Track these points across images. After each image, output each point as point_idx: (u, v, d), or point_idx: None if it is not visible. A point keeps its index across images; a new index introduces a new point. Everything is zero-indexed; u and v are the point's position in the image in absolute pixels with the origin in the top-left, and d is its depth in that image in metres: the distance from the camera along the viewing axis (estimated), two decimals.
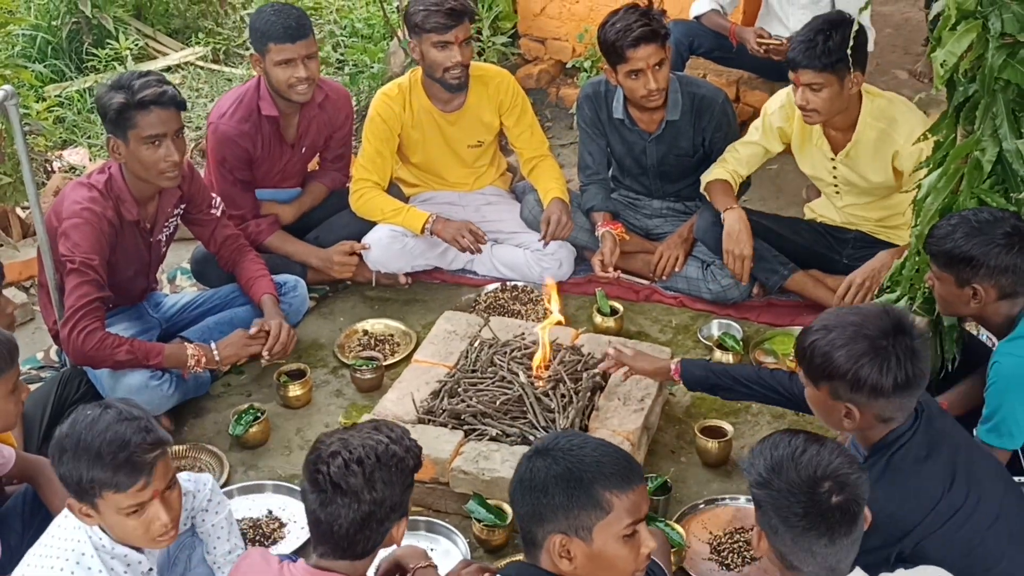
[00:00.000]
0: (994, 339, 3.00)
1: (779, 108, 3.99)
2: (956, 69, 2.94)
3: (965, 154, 3.03)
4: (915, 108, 3.79)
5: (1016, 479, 2.88)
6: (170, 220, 3.66)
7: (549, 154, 4.43)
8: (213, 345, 3.53)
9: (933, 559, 2.31)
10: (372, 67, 5.71)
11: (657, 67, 3.90)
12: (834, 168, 3.96)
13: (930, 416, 2.43)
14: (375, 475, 2.13)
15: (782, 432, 2.18)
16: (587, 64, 5.40)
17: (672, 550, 2.89)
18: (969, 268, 2.75)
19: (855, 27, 3.42)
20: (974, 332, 3.35)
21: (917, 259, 3.22)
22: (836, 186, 4.03)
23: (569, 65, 5.72)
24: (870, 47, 4.70)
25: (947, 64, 2.92)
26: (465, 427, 3.23)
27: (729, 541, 3.05)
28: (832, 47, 3.53)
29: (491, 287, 4.23)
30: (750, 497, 2.19)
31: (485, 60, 5.45)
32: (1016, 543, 2.40)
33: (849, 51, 3.45)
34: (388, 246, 4.20)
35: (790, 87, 3.88)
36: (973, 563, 2.34)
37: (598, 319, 3.97)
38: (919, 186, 3.23)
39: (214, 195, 3.84)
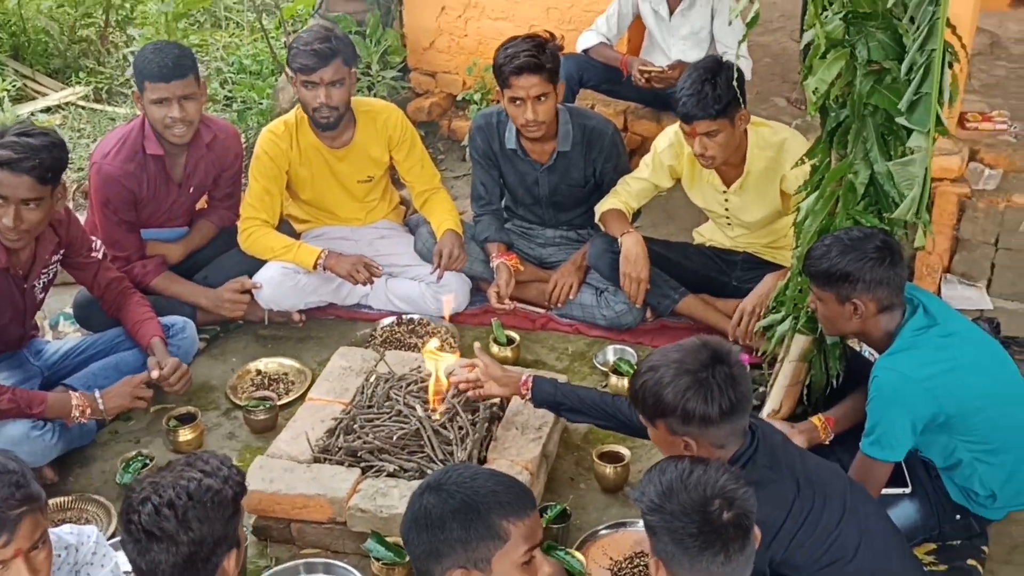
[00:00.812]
0: (876, 355, 3.10)
1: (668, 146, 4.07)
2: (828, 96, 3.04)
3: (839, 177, 3.14)
4: (797, 133, 3.91)
5: (896, 491, 2.98)
6: (48, 267, 3.55)
7: (441, 187, 4.44)
8: (98, 394, 3.42)
9: (801, 564, 2.38)
10: (260, 103, 5.65)
11: (539, 99, 3.94)
12: (726, 200, 4.05)
13: (764, 434, 2.50)
14: (189, 515, 2.05)
15: (667, 458, 2.21)
16: (477, 96, 5.44)
17: None
18: (847, 284, 2.84)
19: (735, 69, 3.55)
20: (856, 348, 3.46)
21: (799, 279, 3.31)
22: (728, 217, 4.13)
23: (460, 98, 5.74)
24: (748, 76, 4.85)
25: (819, 91, 3.02)
26: (362, 464, 3.19)
27: (629, 566, 3.05)
28: (720, 93, 3.61)
29: (387, 321, 4.20)
30: None
31: (375, 95, 5.44)
32: (867, 534, 2.48)
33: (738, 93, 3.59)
34: (280, 283, 4.14)
35: (676, 124, 3.96)
36: (833, 559, 2.40)
37: (495, 349, 3.98)
38: (798, 209, 3.34)
39: (94, 238, 3.74)
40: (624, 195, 4.15)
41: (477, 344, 3.38)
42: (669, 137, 4.08)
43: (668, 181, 4.15)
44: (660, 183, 4.15)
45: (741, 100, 3.65)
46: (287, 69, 5.29)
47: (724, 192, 4.02)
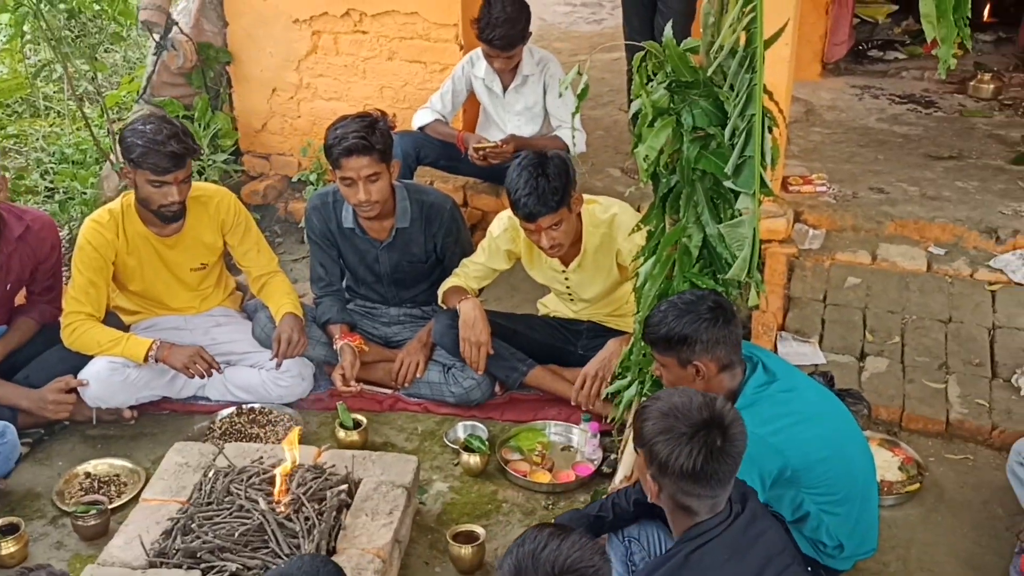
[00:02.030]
0: None
1: (503, 231, 4.09)
2: (658, 163, 3.11)
3: (674, 241, 3.20)
4: (626, 205, 3.99)
5: None
6: None
7: (279, 270, 4.32)
8: None
9: None
10: (84, 193, 5.42)
11: (370, 179, 3.91)
12: (566, 279, 4.09)
13: (751, 519, 2.45)
14: None
15: (531, 529, 2.14)
16: (313, 177, 5.36)
17: None
18: (686, 347, 2.88)
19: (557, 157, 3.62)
20: None
21: (642, 345, 3.34)
22: (569, 294, 4.16)
23: (295, 179, 5.66)
24: (583, 148, 4.96)
25: (649, 158, 3.09)
26: (202, 565, 3.00)
27: None
28: (556, 186, 3.66)
29: (226, 412, 4.03)
30: None
31: (206, 179, 5.29)
32: None
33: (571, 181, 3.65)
34: (108, 379, 3.91)
35: (510, 209, 3.98)
36: None
37: (341, 434, 3.86)
38: (637, 275, 3.38)
39: None
40: (464, 277, 4.15)
41: None
42: (503, 222, 4.10)
43: (506, 264, 4.17)
44: (497, 266, 4.16)
45: (573, 185, 3.72)
46: (113, 158, 5.13)
47: (563, 271, 4.06)
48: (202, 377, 3.99)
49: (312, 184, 5.36)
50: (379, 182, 3.94)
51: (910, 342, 4.38)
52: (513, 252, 4.13)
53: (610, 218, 3.92)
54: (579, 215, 3.90)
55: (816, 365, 4.24)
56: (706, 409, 2.38)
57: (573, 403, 3.97)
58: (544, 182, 3.64)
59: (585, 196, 3.95)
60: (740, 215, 3.03)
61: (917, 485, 3.67)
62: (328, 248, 4.26)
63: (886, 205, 5.09)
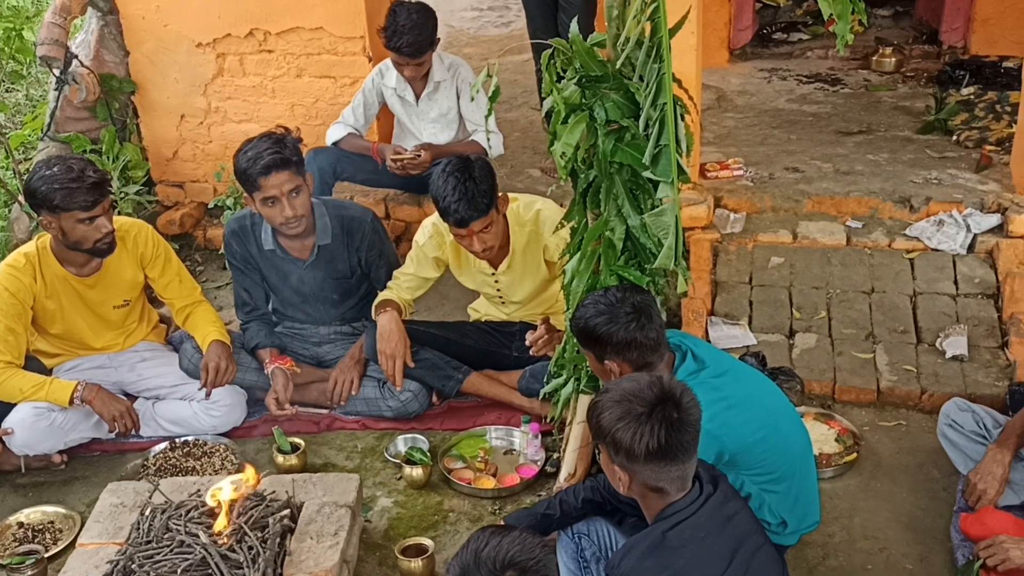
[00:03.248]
0: None
1: (429, 239, 4.06)
2: (575, 159, 3.12)
3: (598, 235, 3.21)
4: (548, 200, 3.99)
5: None
6: None
7: (203, 299, 4.24)
8: None
9: None
10: None
11: (293, 194, 3.86)
12: (496, 282, 4.08)
13: (723, 500, 2.46)
14: None
15: (475, 531, 2.14)
16: (230, 202, 5.28)
17: None
18: (600, 346, 2.91)
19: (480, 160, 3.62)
20: None
21: (575, 342, 3.34)
22: (501, 297, 4.14)
23: (212, 205, 5.56)
24: (501, 150, 4.95)
25: (566, 155, 3.09)
26: None
27: None
28: (484, 189, 3.66)
29: (159, 448, 3.94)
30: None
31: (120, 213, 5.17)
32: None
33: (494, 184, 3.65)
34: (33, 426, 3.80)
35: (434, 216, 3.96)
36: None
37: (279, 459, 3.80)
38: (564, 272, 3.39)
39: None
40: (396, 289, 4.12)
41: None
42: (428, 230, 4.07)
43: (435, 272, 4.14)
44: (427, 275, 4.13)
45: (496, 184, 3.72)
46: (21, 199, 4.99)
47: (493, 274, 4.05)
48: (123, 434, 3.91)
49: (229, 208, 5.28)
50: (301, 195, 3.89)
51: (836, 315, 4.46)
52: (441, 259, 4.10)
53: (534, 215, 3.93)
54: (504, 216, 3.89)
55: (747, 346, 4.29)
56: (656, 386, 2.40)
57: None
58: (472, 186, 3.63)
59: (508, 195, 3.95)
60: (661, 204, 3.05)
61: (854, 455, 3.73)
62: (250, 272, 4.19)
63: (802, 183, 5.18)
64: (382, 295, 4.11)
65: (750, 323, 4.47)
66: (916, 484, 3.62)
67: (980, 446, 3.40)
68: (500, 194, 3.79)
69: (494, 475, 3.77)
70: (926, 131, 5.71)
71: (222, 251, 4.39)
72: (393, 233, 5.19)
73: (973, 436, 3.45)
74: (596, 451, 3.48)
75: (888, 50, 6.82)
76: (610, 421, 2.37)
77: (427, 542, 3.34)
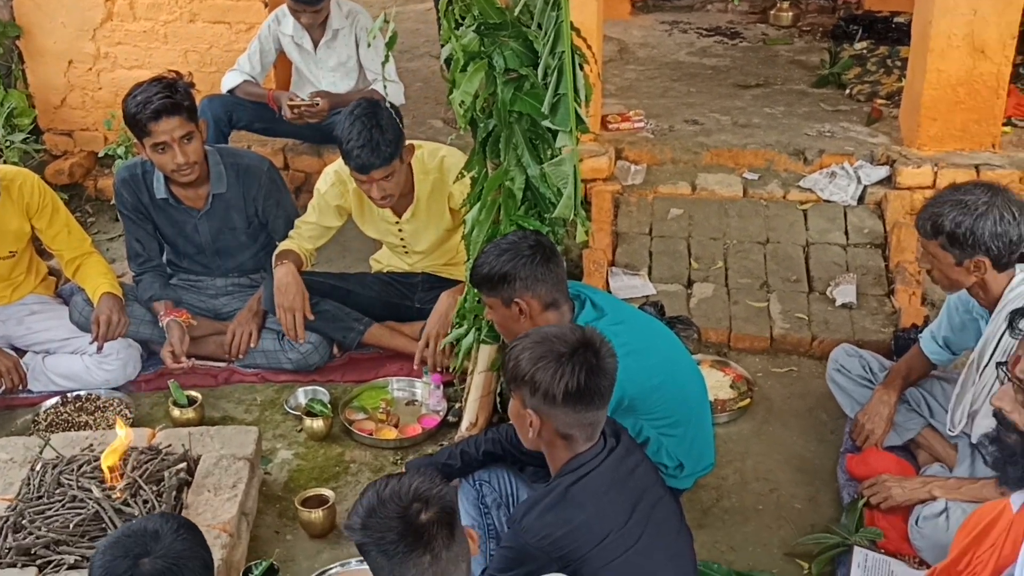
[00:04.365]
0: None
1: (331, 186, 4.00)
2: (474, 108, 3.11)
3: (497, 185, 3.21)
4: (454, 148, 3.96)
5: None
6: None
7: (93, 250, 4.11)
8: None
9: None
10: None
11: (185, 140, 3.76)
12: (400, 231, 4.05)
13: (625, 453, 2.48)
14: None
15: (373, 482, 2.14)
16: (121, 150, 5.11)
17: None
18: (507, 285, 2.90)
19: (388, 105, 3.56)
20: None
21: (475, 292, 3.35)
22: (404, 246, 4.11)
23: (102, 154, 5.38)
24: (401, 100, 4.89)
25: (465, 104, 3.08)
26: (39, 561, 2.86)
27: None
28: (390, 138, 3.61)
29: (50, 403, 3.84)
30: (361, 558, 2.13)
31: (5, 162, 4.98)
32: None
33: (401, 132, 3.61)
34: None
35: (336, 163, 3.91)
36: None
37: (176, 412, 3.74)
38: (465, 222, 3.38)
39: None
40: (298, 238, 4.05)
41: None
42: (330, 177, 4.01)
43: (337, 220, 4.09)
44: (329, 224, 4.07)
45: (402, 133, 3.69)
46: None
47: (397, 223, 4.01)
48: (11, 391, 3.80)
49: (121, 158, 5.11)
50: (194, 142, 3.80)
51: (733, 265, 4.55)
52: (343, 207, 4.05)
53: (439, 162, 3.90)
54: (410, 165, 3.85)
55: (647, 296, 4.36)
56: (577, 331, 2.44)
57: (417, 362, 3.94)
58: (378, 133, 3.59)
59: (411, 142, 3.91)
60: (560, 153, 3.06)
61: (748, 400, 3.83)
62: (142, 222, 4.08)
63: (701, 136, 5.25)
64: (282, 245, 4.04)
65: (650, 273, 4.53)
66: (806, 427, 3.74)
67: (867, 390, 3.52)
68: (406, 144, 3.75)
69: (396, 426, 3.77)
70: (820, 85, 5.84)
71: (114, 201, 4.26)
72: (292, 184, 5.11)
73: (860, 380, 3.56)
74: (499, 401, 3.51)
75: (785, 4, 6.94)
76: (529, 361, 2.37)
77: (328, 493, 3.33)
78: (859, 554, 3.03)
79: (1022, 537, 2.13)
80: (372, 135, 3.59)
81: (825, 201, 4.84)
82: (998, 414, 2.35)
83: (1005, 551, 2.26)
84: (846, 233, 4.68)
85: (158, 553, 1.95)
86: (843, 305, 4.25)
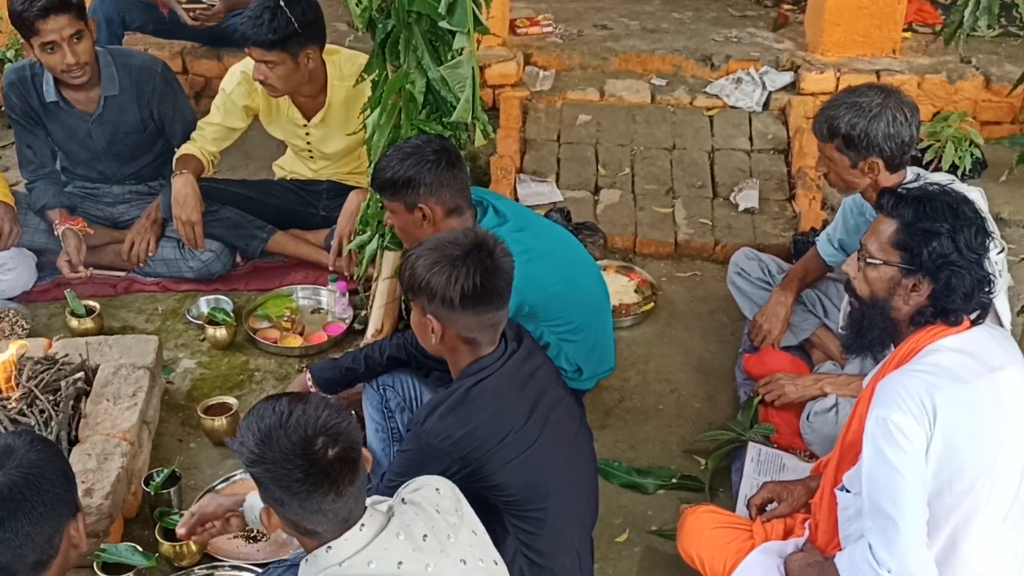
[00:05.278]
0: None
1: (238, 85, 3.89)
2: (371, 7, 3.03)
3: (398, 88, 3.15)
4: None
5: None
6: None
7: None
8: None
9: (506, 485, 2.41)
10: None
11: (74, 39, 3.62)
12: (307, 134, 3.97)
13: (526, 356, 2.49)
14: None
15: (262, 402, 2.04)
16: (10, 54, 4.89)
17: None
18: (411, 190, 2.87)
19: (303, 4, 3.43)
20: None
21: (378, 197, 3.32)
22: (310, 151, 4.04)
23: None
24: None
25: (362, 3, 3.00)
26: None
27: None
28: (279, 25, 3.51)
29: None
30: None
31: None
32: (574, 485, 2.57)
33: (299, 28, 3.47)
34: None
35: (243, 62, 3.80)
36: (536, 496, 2.46)
37: (74, 322, 3.66)
38: (365, 126, 3.33)
39: None
40: (201, 140, 3.95)
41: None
42: (236, 76, 3.91)
43: (243, 121, 3.99)
44: (234, 125, 3.97)
45: (314, 38, 3.59)
46: None
47: (305, 126, 3.94)
48: None
49: (10, 61, 4.89)
50: (84, 41, 3.66)
51: (639, 172, 4.58)
52: (250, 107, 3.94)
53: (358, 69, 3.78)
54: (323, 66, 3.77)
55: (554, 203, 4.36)
56: (469, 234, 2.43)
57: (331, 267, 3.90)
58: (268, 15, 3.51)
59: (331, 47, 3.81)
60: (459, 56, 3.01)
61: (652, 304, 3.89)
62: (33, 127, 3.93)
63: (610, 41, 5.22)
64: (183, 149, 3.93)
65: (557, 180, 4.54)
66: (707, 330, 3.82)
67: (765, 292, 3.60)
68: (310, 48, 3.66)
69: (301, 334, 3.75)
70: None
71: (4, 107, 4.10)
72: (192, 89, 4.96)
73: (759, 283, 3.64)
74: (403, 308, 3.51)
75: None
76: (424, 267, 2.37)
77: (231, 401, 3.32)
78: (753, 449, 3.14)
79: (866, 413, 2.23)
80: (262, 15, 3.52)
81: (731, 107, 4.87)
82: (848, 283, 2.46)
83: (853, 426, 2.37)
84: (750, 139, 4.73)
85: (11, 466, 1.88)
86: (746, 210, 4.32)
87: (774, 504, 2.70)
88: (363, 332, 3.60)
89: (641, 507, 3.09)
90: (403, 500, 2.06)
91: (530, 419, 2.45)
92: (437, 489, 2.11)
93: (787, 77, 4.91)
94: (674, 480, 3.16)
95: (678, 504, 3.06)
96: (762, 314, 3.51)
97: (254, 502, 2.48)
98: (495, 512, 2.48)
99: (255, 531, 2.93)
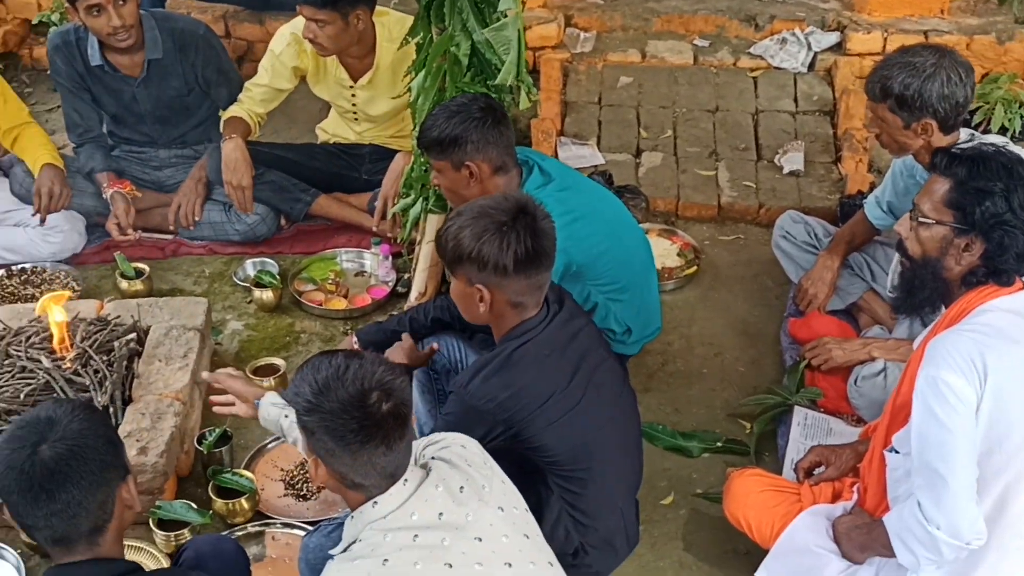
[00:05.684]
0: None
1: (287, 47, 3.90)
2: None
3: (443, 51, 3.15)
4: None
5: None
6: None
7: (31, 120, 3.99)
8: None
9: (549, 446, 2.43)
10: None
11: (120, 1, 3.64)
12: (353, 96, 3.97)
13: (568, 317, 2.49)
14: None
15: (318, 355, 2.08)
16: (55, 17, 4.94)
17: (244, 497, 2.83)
18: (458, 148, 2.86)
19: None
20: None
21: (422, 160, 3.33)
22: (355, 112, 4.04)
23: (36, 21, 5.19)
24: None
25: None
26: None
27: (300, 473, 3.02)
28: None
29: None
30: None
31: None
32: (619, 446, 2.57)
33: None
34: None
35: (298, 22, 3.81)
36: (579, 457, 2.47)
37: (124, 284, 3.72)
38: (410, 89, 3.33)
39: None
40: (248, 102, 3.97)
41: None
42: (286, 38, 3.92)
43: (290, 83, 4.00)
44: (282, 86, 3.99)
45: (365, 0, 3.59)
46: None
47: (351, 87, 3.94)
48: None
49: (55, 25, 4.94)
50: (128, 4, 3.68)
51: (682, 134, 4.55)
52: (299, 68, 3.95)
53: (406, 31, 3.77)
54: (373, 28, 3.77)
55: (595, 166, 4.35)
56: (510, 200, 2.41)
57: (376, 229, 3.92)
58: None
59: (381, 8, 3.81)
60: (504, 18, 3.00)
61: (695, 268, 3.88)
62: (79, 91, 3.96)
63: (652, 2, 5.17)
64: (230, 111, 3.96)
65: (598, 143, 4.52)
66: (751, 293, 3.81)
67: (811, 255, 3.57)
68: (357, 9, 3.66)
69: (345, 296, 3.78)
70: None
71: (50, 71, 4.13)
72: (234, 53, 4.98)
73: (805, 246, 3.62)
74: (446, 275, 3.51)
75: None
76: (472, 237, 2.35)
77: (279, 362, 3.36)
78: (799, 413, 3.13)
79: (916, 374, 2.22)
80: None
81: (775, 68, 4.82)
82: (899, 243, 2.44)
83: (903, 388, 2.36)
84: (795, 100, 4.68)
85: (55, 437, 1.89)
86: (790, 173, 4.28)
87: (821, 468, 2.70)
88: (406, 295, 3.63)
89: (686, 470, 3.10)
90: (433, 457, 2.09)
91: (573, 380, 2.46)
92: (463, 446, 2.14)
93: (833, 37, 4.85)
94: (719, 444, 3.16)
95: (723, 468, 3.06)
96: (808, 278, 3.49)
97: (271, 401, 2.58)
98: (539, 472, 2.50)
99: (304, 490, 2.98)
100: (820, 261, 3.49)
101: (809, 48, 4.83)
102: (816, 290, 3.46)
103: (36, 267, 3.83)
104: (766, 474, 2.73)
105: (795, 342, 3.43)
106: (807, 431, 3.08)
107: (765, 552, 2.55)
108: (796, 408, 3.15)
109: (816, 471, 2.70)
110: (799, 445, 2.99)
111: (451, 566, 1.90)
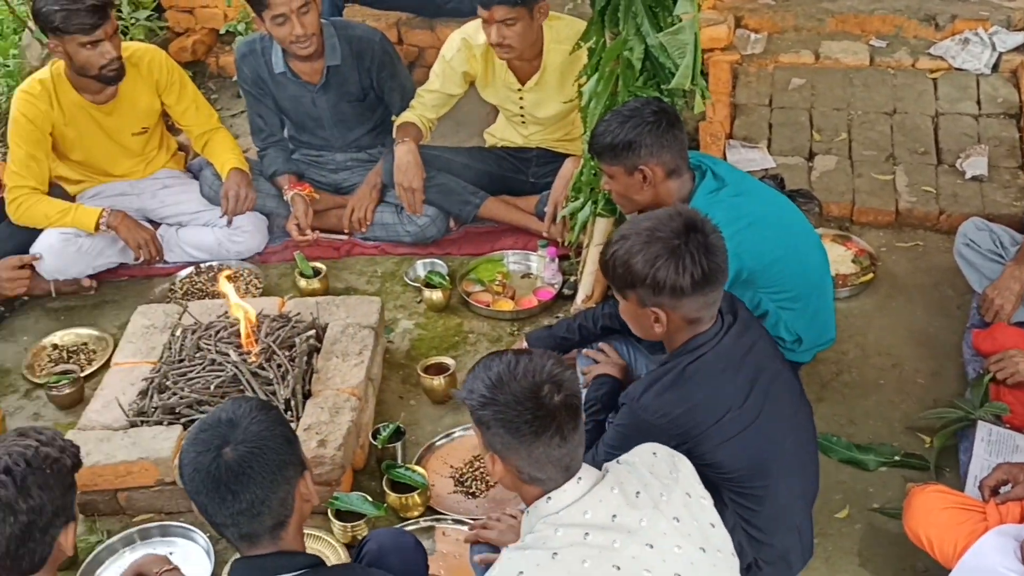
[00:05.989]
0: None
1: (457, 51, 3.98)
2: None
3: (616, 55, 3.16)
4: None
5: None
6: None
7: (220, 126, 4.22)
8: None
9: (723, 463, 2.39)
10: (7, 65, 5.21)
11: (302, 10, 3.78)
12: (520, 99, 4.03)
13: (742, 329, 2.44)
14: (28, 481, 1.96)
15: (489, 355, 2.13)
16: (241, 27, 5.18)
17: (417, 492, 2.91)
18: (631, 153, 2.85)
19: None
20: None
21: (591, 164, 3.34)
22: (522, 115, 4.10)
23: (223, 31, 5.46)
24: None
25: None
26: (182, 420, 3.05)
27: (470, 470, 3.08)
28: None
29: (185, 272, 4.01)
30: None
31: (131, 39, 5.09)
32: (796, 463, 2.52)
33: None
34: (62, 251, 3.87)
35: (467, 27, 3.88)
36: (756, 474, 2.43)
37: (302, 283, 3.87)
38: (581, 94, 3.35)
39: None
40: (420, 108, 4.07)
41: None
42: (456, 43, 4.00)
43: (461, 87, 4.08)
44: (452, 91, 4.07)
45: None
46: (29, 24, 4.93)
47: (519, 90, 3.99)
48: (148, 262, 3.98)
49: (241, 34, 5.19)
50: (311, 13, 3.82)
51: (857, 137, 4.42)
52: (469, 74, 4.03)
53: (575, 34, 3.78)
54: (541, 29, 3.81)
55: (766, 169, 4.27)
56: (677, 216, 2.36)
57: (546, 234, 3.96)
58: None
59: (552, 12, 3.86)
60: (680, 22, 2.99)
61: (871, 275, 3.76)
62: (263, 97, 4.15)
63: (826, 2, 5.04)
64: (403, 116, 4.07)
65: (769, 146, 4.43)
66: (930, 303, 3.67)
67: (996, 264, 3.42)
68: (541, 2, 3.70)
69: (512, 298, 3.83)
70: None
71: (235, 79, 4.34)
72: (407, 59, 5.11)
73: (990, 255, 3.46)
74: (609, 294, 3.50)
75: None
76: (646, 262, 2.30)
77: (449, 361, 3.43)
78: (983, 428, 2.99)
79: None
80: None
81: (956, 69, 4.63)
82: None
83: None
84: (978, 103, 4.48)
85: (238, 440, 1.96)
86: (973, 178, 4.10)
87: (1008, 486, 2.58)
88: (572, 297, 3.65)
89: (862, 483, 3.01)
90: (617, 461, 2.10)
91: (749, 397, 2.40)
92: (654, 453, 2.13)
93: (1019, 37, 4.62)
94: (897, 457, 3.06)
95: (901, 482, 2.96)
96: (994, 288, 3.34)
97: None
98: (713, 488, 2.46)
99: (474, 488, 3.04)
100: (1007, 271, 3.33)
101: (993, 48, 4.62)
102: (1003, 301, 3.30)
103: (222, 265, 4.03)
104: (949, 491, 2.63)
105: (979, 354, 3.28)
106: (992, 447, 2.94)
107: (946, 572, 2.46)
108: (980, 423, 3.01)
109: (1002, 489, 2.58)
110: (984, 462, 2.86)
111: (618, 568, 1.91)
